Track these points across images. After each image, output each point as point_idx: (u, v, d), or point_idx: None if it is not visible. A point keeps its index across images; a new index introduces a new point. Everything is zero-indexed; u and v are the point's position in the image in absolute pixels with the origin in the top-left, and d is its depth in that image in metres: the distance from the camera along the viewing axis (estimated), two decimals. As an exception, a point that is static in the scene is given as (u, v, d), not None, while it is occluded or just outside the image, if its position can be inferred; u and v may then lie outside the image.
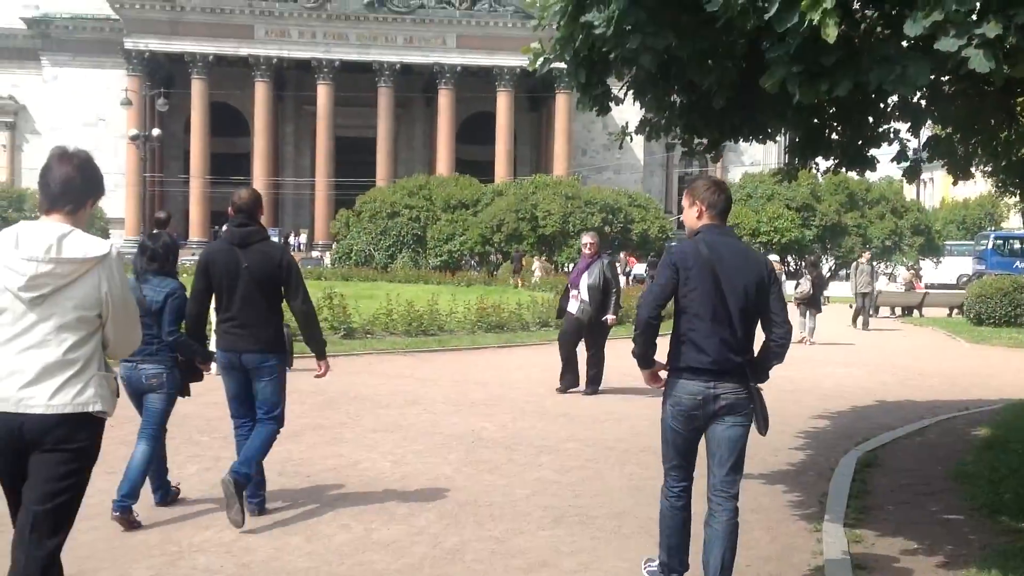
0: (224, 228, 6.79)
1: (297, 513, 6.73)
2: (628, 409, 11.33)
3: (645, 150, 66.23)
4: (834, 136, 8.14)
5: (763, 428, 4.85)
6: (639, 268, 46.43)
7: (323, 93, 59.85)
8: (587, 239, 12.51)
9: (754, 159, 66.60)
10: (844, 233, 39.83)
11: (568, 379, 12.40)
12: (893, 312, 30.88)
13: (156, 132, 43.69)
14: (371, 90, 60.11)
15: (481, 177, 48.40)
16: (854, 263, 25.73)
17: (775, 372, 5.09)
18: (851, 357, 18.04)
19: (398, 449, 8.90)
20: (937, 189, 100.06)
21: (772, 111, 7.11)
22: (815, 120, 7.88)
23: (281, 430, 6.66)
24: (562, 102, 61.08)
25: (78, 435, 3.64)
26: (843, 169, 8.06)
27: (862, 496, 7.44)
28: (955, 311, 30.86)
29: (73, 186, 3.69)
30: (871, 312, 25.90)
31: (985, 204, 71.47)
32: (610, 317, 12.18)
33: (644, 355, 4.93)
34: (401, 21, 59.79)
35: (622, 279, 48.16)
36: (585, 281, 12.11)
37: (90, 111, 60.62)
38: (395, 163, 60.94)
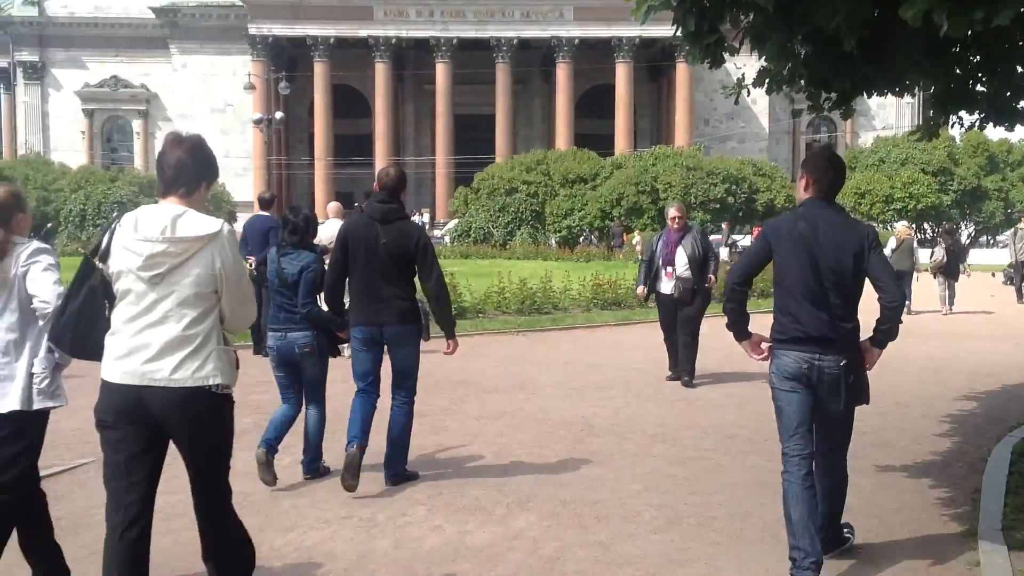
0: (365, 203, 6.86)
1: (390, 513, 6.19)
2: (750, 392, 10.49)
3: (770, 117, 64.06)
4: (979, 88, 7.27)
5: (853, 402, 4.95)
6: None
7: (441, 72, 59.63)
8: (674, 212, 11.08)
9: (886, 122, 63.86)
10: (984, 198, 37.44)
11: (672, 355, 11.48)
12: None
13: (279, 115, 44.22)
14: (489, 67, 59.58)
15: (601, 151, 47.44)
16: (1013, 229, 23.45)
17: (915, 349, 4.87)
18: (998, 330, 16.68)
19: (501, 439, 8.31)
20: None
21: (910, 58, 6.25)
22: (957, 69, 6.92)
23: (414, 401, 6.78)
24: (682, 71, 59.40)
25: (203, 415, 3.81)
26: (990, 124, 7.12)
27: (1021, 492, 6.50)
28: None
29: (186, 169, 3.84)
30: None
31: None
32: (711, 276, 10.93)
33: (735, 324, 5.05)
34: (518, -5, 59.07)
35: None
36: (682, 256, 10.79)
37: (218, 97, 61.83)
38: (514, 140, 60.38)
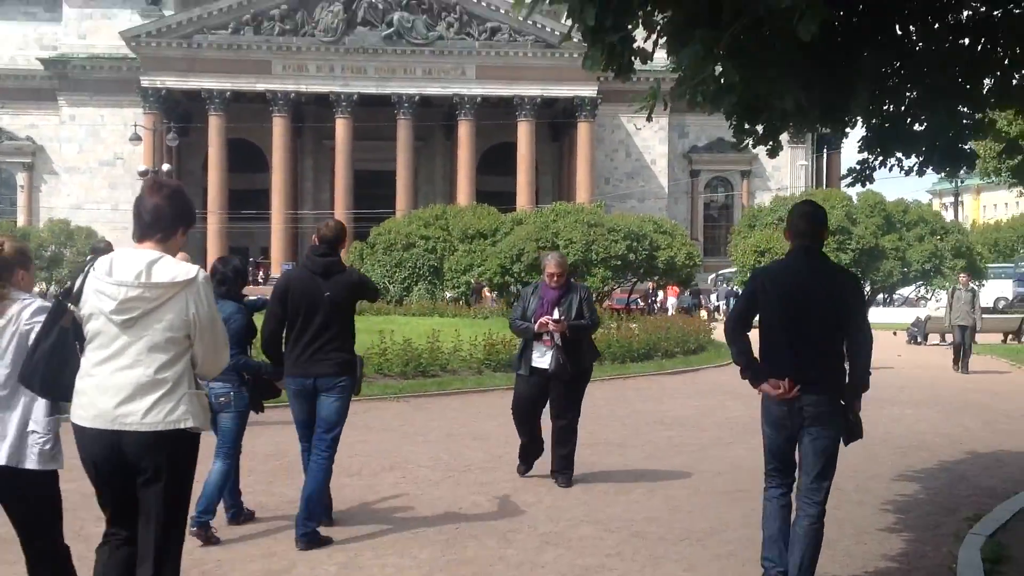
0: (304, 257, 6.78)
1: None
2: (656, 471, 8.89)
3: (669, 177, 63.87)
4: (917, 127, 6.17)
5: (847, 439, 5.16)
6: (684, 298, 43.80)
7: (342, 127, 57.90)
8: (552, 267, 8.22)
9: (781, 184, 64.18)
10: (882, 256, 36.98)
11: (532, 451, 8.56)
12: (943, 339, 28.11)
13: (166, 167, 41.87)
14: (390, 123, 58.18)
15: (503, 208, 46.05)
16: (951, 288, 22.23)
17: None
18: (916, 394, 15.42)
19: (353, 544, 6.45)
20: (968, 211, 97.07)
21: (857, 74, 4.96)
22: (893, 106, 6.06)
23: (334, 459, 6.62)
24: (584, 131, 58.88)
25: (173, 454, 3.76)
26: (930, 168, 6.26)
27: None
28: (1010, 337, 28.11)
29: (163, 215, 3.84)
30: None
31: (1018, 226, 68.40)
32: (560, 320, 7.98)
33: (749, 367, 5.19)
34: (420, 53, 57.78)
35: (719, 302, 44.75)
36: (555, 317, 8.03)
37: (108, 150, 58.93)
38: (415, 196, 58.76)
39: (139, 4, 58.71)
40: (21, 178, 60.56)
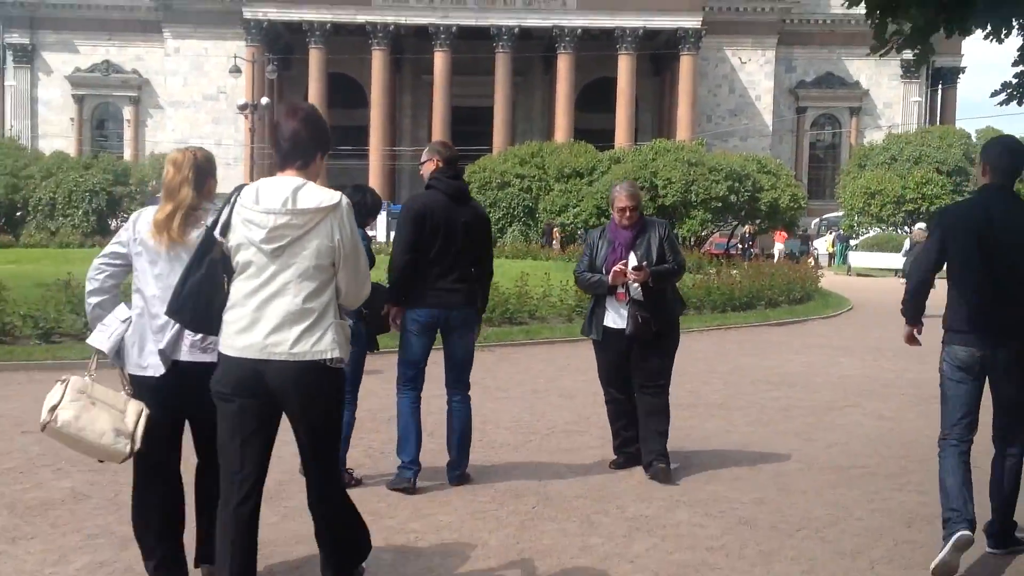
0: (432, 179, 6.18)
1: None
2: (762, 440, 7.86)
3: (774, 115, 61.36)
4: None
5: None
6: (792, 243, 41.71)
7: (440, 60, 56.95)
8: (623, 196, 6.57)
9: (892, 121, 61.04)
10: (1002, 200, 34.73)
11: (627, 438, 6.96)
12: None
13: (265, 101, 41.50)
14: (489, 57, 56.95)
15: (601, 146, 44.71)
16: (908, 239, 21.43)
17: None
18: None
19: (413, 525, 5.62)
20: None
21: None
22: None
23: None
24: (686, 65, 56.78)
25: (321, 386, 3.70)
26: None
27: None
28: None
29: (301, 141, 3.74)
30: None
31: None
32: (641, 268, 6.43)
33: (914, 315, 5.23)
34: (520, -18, 56.29)
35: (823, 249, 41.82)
36: (632, 263, 6.49)
37: (211, 84, 59.10)
38: (512, 133, 57.59)
39: (242, -65, 58.40)
40: (128, 112, 61.28)
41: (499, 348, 12.92)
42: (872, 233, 37.39)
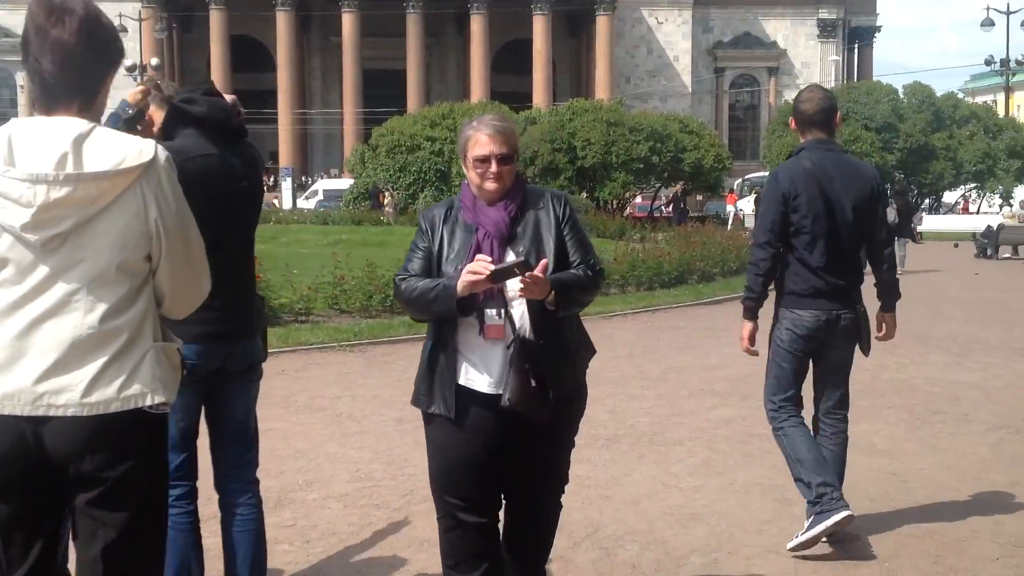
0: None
1: None
2: (713, 499, 5.03)
3: (693, 76, 59.13)
4: None
5: (866, 348, 4.67)
6: (743, 204, 38.25)
7: (348, 22, 53.45)
8: (485, 135, 3.23)
9: (810, 81, 59.10)
10: (932, 157, 32.58)
11: None
12: (1016, 252, 24.05)
13: (155, 61, 37.74)
14: (401, 17, 53.60)
15: (517, 107, 41.85)
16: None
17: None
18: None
19: None
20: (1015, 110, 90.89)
21: None
22: None
23: None
24: (603, 25, 54.22)
25: (132, 448, 2.25)
26: None
27: None
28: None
29: (78, 60, 2.24)
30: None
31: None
32: (523, 263, 3.07)
33: (757, 302, 4.58)
34: (429, -59, 52.95)
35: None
36: (510, 260, 3.16)
37: (107, 48, 54.76)
38: (427, 96, 54.26)
39: None
40: (20, 77, 56.51)
41: (370, 347, 9.89)
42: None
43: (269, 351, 3.77)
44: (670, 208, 36.21)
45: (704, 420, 7.19)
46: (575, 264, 3.26)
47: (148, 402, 2.28)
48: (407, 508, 5.07)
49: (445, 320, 3.22)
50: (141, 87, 3.48)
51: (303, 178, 53.10)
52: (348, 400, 7.69)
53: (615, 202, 34.22)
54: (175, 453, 3.35)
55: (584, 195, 32.70)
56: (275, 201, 41.85)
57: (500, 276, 3.04)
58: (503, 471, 3.31)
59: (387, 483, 5.52)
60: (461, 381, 3.23)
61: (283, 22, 53.15)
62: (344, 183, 41.53)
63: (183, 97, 3.44)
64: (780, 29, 61.31)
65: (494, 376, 3.19)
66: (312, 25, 58.36)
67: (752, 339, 4.61)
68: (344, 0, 52.91)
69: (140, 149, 2.30)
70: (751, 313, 4.60)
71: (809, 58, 61.62)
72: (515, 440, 3.24)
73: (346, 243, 20.47)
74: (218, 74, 52.73)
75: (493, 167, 3.22)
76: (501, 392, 3.14)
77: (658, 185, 35.79)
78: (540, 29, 53.87)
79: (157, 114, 3.48)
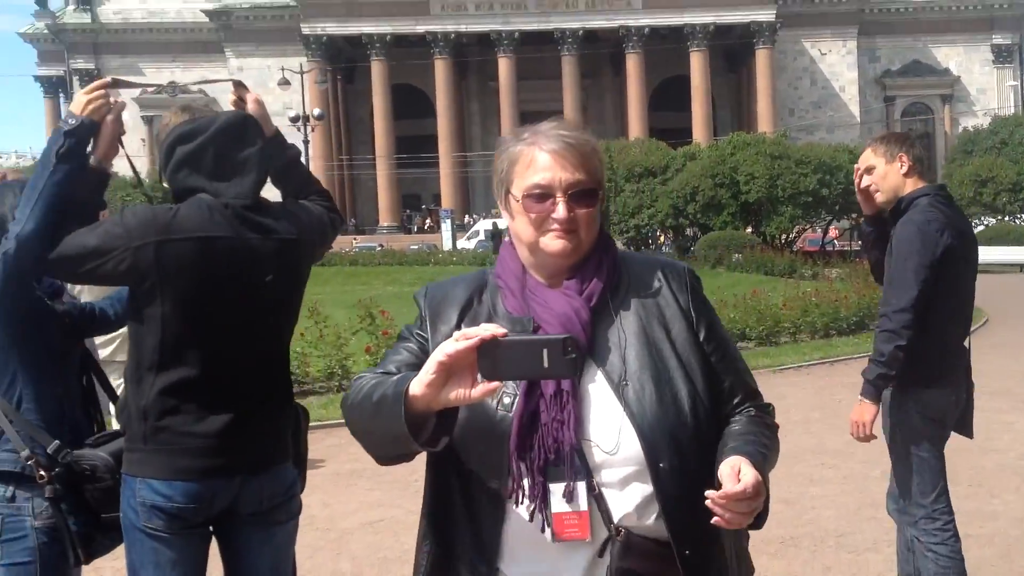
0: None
1: None
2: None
3: (860, 106, 56.18)
4: None
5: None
6: None
7: (504, 66, 53.37)
8: (546, 157, 1.73)
9: (986, 107, 55.33)
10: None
11: None
12: None
13: (317, 112, 38.34)
14: (556, 63, 53.23)
15: (675, 143, 40.46)
16: None
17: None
18: None
19: None
20: None
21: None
22: None
23: None
24: (763, 59, 52.18)
25: None
26: None
27: None
28: None
29: None
30: None
31: None
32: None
33: (885, 383, 3.55)
34: (582, -17, 52.43)
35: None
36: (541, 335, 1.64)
37: (276, 100, 56.35)
38: (584, 136, 53.62)
39: (298, -51, 56.06)
40: (144, 132, 59.41)
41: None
42: (986, 224, 32.24)
43: None
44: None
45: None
46: (736, 403, 1.76)
47: None
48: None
49: (437, 475, 1.74)
50: (97, 87, 2.45)
51: (464, 218, 53.26)
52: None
53: (783, 237, 32.27)
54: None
55: (749, 230, 30.89)
56: (435, 243, 42.06)
57: (515, 354, 1.45)
58: None
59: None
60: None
61: (441, 69, 53.59)
62: (504, 222, 41.13)
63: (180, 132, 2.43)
64: (952, 56, 57.89)
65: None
66: (469, 71, 58.71)
67: None
68: (500, 45, 52.89)
69: None
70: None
71: (985, 84, 57.84)
72: None
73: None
74: (380, 121, 53.77)
75: (561, 208, 1.70)
76: None
77: (829, 218, 33.60)
78: (698, 65, 52.39)
79: (113, 124, 2.44)
